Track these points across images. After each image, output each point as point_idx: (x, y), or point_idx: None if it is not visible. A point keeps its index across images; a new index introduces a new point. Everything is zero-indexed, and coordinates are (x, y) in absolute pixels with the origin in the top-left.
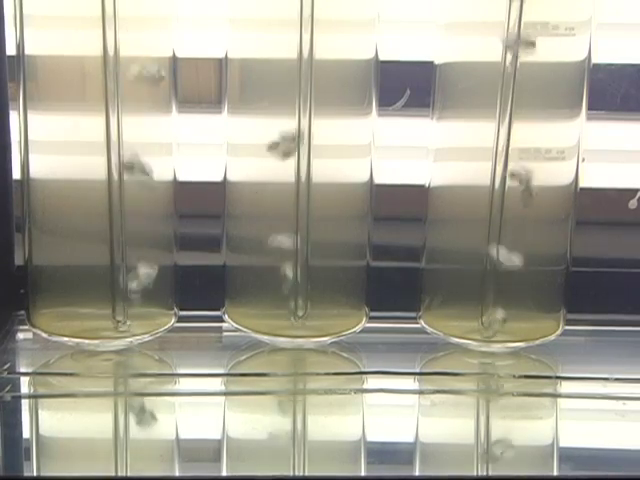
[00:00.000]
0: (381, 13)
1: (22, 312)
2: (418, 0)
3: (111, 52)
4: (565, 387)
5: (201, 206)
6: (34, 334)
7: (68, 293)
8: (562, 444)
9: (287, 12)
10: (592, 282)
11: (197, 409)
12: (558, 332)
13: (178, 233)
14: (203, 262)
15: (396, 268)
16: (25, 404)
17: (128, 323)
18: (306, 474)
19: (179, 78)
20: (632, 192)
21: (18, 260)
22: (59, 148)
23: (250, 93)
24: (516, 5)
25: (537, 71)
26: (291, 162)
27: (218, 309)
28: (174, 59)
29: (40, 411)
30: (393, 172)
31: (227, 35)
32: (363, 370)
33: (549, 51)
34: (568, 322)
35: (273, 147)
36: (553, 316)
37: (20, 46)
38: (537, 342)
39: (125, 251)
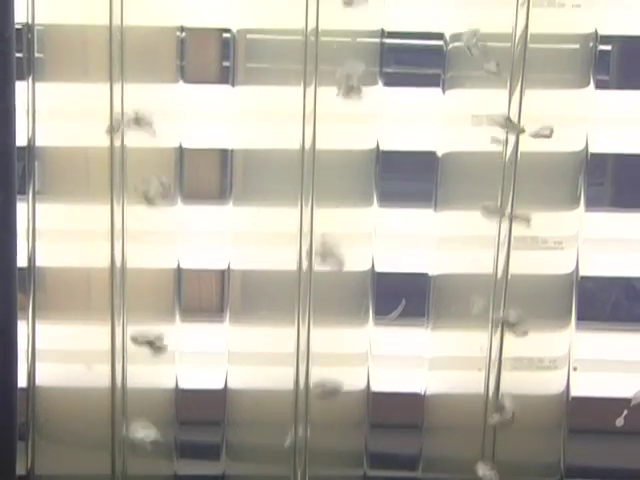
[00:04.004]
0: (377, 228)
1: None
2: (413, 215)
3: (118, 264)
4: None
5: (202, 413)
6: None
7: None
8: None
9: (286, 228)
10: None
11: None
12: None
13: (178, 441)
14: (203, 471)
15: (393, 478)
16: None
17: None
18: None
19: (182, 288)
20: (624, 401)
21: (20, 469)
22: (65, 356)
23: (250, 303)
24: (506, 224)
25: (527, 283)
26: (290, 369)
27: None
28: (179, 270)
29: None
30: (389, 380)
31: (229, 249)
32: None
33: (538, 263)
34: None
35: None
36: None
37: (31, 258)
38: None
39: (126, 460)
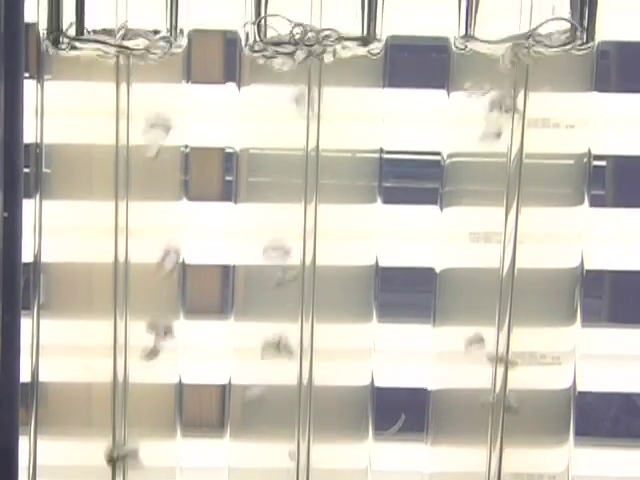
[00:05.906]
0: (377, 343)
1: None
2: (411, 330)
3: (120, 379)
4: None
5: None
6: None
7: None
8: None
9: (289, 341)
10: None
11: None
12: None
13: None
14: None
15: None
16: None
17: None
18: None
19: (183, 401)
20: None
21: None
22: (66, 472)
23: (250, 418)
24: (504, 333)
25: (526, 399)
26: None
27: None
28: (180, 385)
29: None
30: None
31: (230, 363)
32: None
33: (534, 376)
34: None
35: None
36: None
37: (35, 373)
38: None
39: None
